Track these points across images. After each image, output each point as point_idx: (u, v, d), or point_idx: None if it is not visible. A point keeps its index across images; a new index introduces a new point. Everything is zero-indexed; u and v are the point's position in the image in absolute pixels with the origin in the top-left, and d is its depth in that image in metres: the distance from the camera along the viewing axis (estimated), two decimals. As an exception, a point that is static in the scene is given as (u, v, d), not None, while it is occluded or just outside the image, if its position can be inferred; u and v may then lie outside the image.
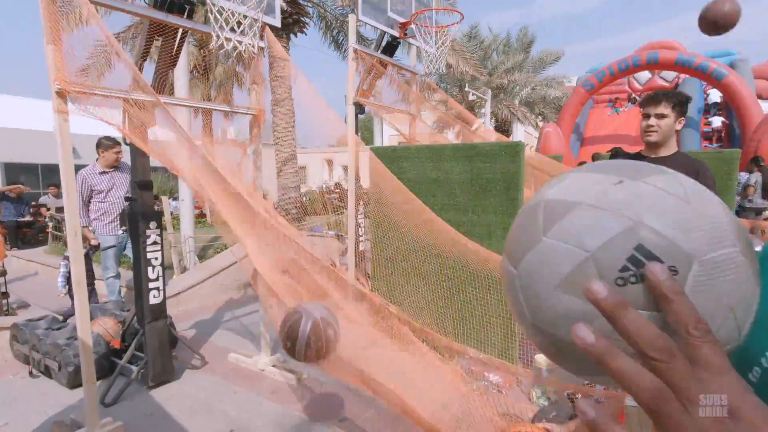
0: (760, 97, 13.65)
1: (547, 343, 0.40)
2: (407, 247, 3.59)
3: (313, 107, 3.98)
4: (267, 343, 3.57)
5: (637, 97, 16.73)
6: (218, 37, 2.45)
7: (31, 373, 3.54)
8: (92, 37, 2.37)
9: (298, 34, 10.45)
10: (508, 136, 19.79)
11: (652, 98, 2.27)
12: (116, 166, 4.37)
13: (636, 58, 13.34)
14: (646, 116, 2.30)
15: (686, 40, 16.25)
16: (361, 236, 4.87)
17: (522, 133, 22.27)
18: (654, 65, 13.28)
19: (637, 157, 2.42)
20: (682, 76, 14.58)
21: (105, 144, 4.29)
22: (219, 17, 2.42)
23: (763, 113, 12.10)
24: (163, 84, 3.01)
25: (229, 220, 2.38)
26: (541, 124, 19.91)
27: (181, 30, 2.88)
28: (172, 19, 2.69)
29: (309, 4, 9.76)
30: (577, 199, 0.39)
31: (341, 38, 11.82)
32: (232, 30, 2.53)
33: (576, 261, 0.36)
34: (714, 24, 3.15)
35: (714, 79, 12.44)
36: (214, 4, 2.43)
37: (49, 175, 16.87)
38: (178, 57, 3.00)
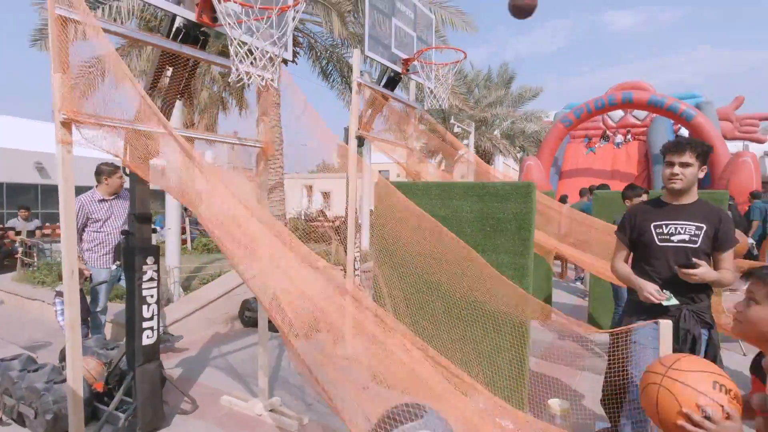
0: (724, 137, 14.38)
1: None
2: (415, 282, 3.51)
3: (312, 133, 3.94)
4: (266, 386, 3.38)
5: (610, 134, 17.40)
6: (237, 70, 2.38)
7: (0, 420, 3.24)
8: (99, 65, 2.27)
9: (289, 63, 10.51)
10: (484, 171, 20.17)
11: (676, 147, 2.30)
12: (118, 193, 4.19)
13: (611, 97, 13.90)
14: (670, 164, 2.32)
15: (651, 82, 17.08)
16: (356, 270, 4.77)
17: (501, 164, 22.74)
18: (629, 105, 13.85)
19: (658, 203, 2.43)
20: (653, 115, 15.26)
21: (107, 170, 4.11)
22: (239, 50, 2.35)
23: (729, 153, 12.71)
24: (169, 113, 2.91)
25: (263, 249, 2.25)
26: (519, 156, 20.40)
27: (192, 61, 2.80)
28: (187, 50, 2.62)
29: (300, 35, 9.83)
30: None
31: (330, 68, 11.91)
32: (251, 63, 2.47)
33: None
34: (520, 9, 4.01)
35: (684, 120, 13.04)
36: (234, 39, 2.37)
37: (14, 194, 16.13)
38: (188, 87, 2.91)
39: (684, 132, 14.67)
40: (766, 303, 1.30)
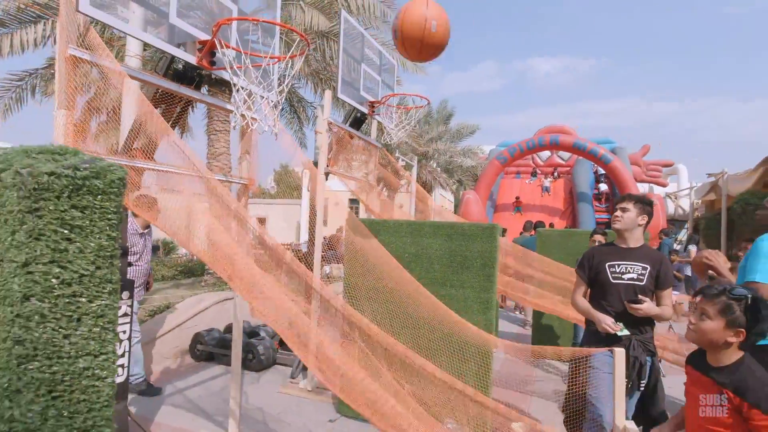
0: (635, 179, 16.12)
1: None
2: (383, 310, 3.68)
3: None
4: (236, 419, 3.35)
5: (538, 171, 18.86)
6: (242, 116, 2.50)
7: None
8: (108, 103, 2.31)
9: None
10: (425, 202, 20.95)
11: (621, 198, 2.82)
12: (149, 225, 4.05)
13: (541, 139, 15.17)
14: (615, 209, 2.80)
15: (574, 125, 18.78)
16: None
17: (438, 196, 23.67)
18: (555, 146, 15.17)
19: (612, 246, 2.84)
20: (575, 156, 16.80)
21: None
22: (244, 96, 2.48)
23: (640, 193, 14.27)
24: (155, 148, 2.94)
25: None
26: (454, 188, 21.41)
27: (185, 99, 2.87)
28: (185, 91, 2.70)
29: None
30: None
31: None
32: (249, 108, 2.60)
33: None
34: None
35: (603, 163, 14.50)
36: (235, 85, 2.50)
37: None
38: (176, 124, 2.96)
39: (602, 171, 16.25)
40: (716, 318, 1.66)
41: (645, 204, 2.76)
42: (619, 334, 2.58)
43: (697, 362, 1.80)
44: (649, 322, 2.67)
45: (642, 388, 2.63)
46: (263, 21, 2.46)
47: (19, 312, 1.49)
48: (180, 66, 2.65)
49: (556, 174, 17.96)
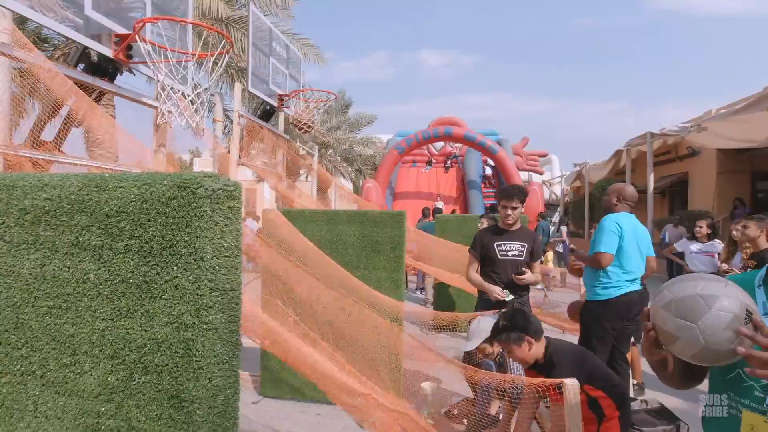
0: (517, 168, 17.96)
1: (705, 354, 0.99)
2: (304, 299, 3.92)
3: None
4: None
5: (434, 160, 20.06)
6: (164, 112, 2.56)
7: None
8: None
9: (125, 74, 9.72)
10: (327, 187, 21.16)
11: (509, 197, 3.32)
12: None
13: (436, 130, 16.19)
14: (505, 208, 3.30)
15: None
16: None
17: (336, 185, 23.97)
18: (449, 138, 16.31)
19: (498, 229, 3.41)
20: (466, 147, 18.21)
21: None
22: (172, 95, 2.55)
23: (522, 181, 15.98)
24: (64, 138, 2.86)
25: None
26: (354, 177, 21.91)
27: (97, 91, 2.83)
28: (100, 83, 2.67)
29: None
30: (717, 293, 1.00)
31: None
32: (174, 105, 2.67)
33: (729, 318, 0.97)
34: None
35: (490, 153, 15.93)
36: (159, 81, 2.56)
37: None
38: (87, 115, 2.89)
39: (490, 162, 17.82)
40: (514, 349, 2.21)
41: (526, 196, 3.37)
42: (506, 299, 3.15)
43: (536, 367, 2.34)
44: (526, 288, 3.30)
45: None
46: (190, 22, 2.54)
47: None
48: (95, 58, 2.62)
49: (449, 164, 19.23)
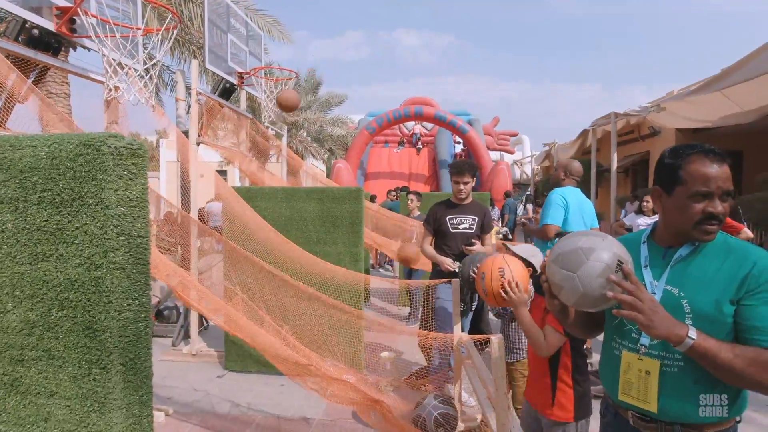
0: (487, 148, 18.18)
1: (583, 300, 1.12)
2: (264, 274, 3.98)
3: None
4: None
5: (405, 140, 20.11)
6: (111, 88, 2.54)
7: None
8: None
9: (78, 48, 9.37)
10: (298, 169, 20.99)
11: (460, 172, 3.42)
12: None
13: (407, 110, 16.19)
14: (457, 183, 3.41)
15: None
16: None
17: (310, 166, 23.79)
18: (420, 117, 16.35)
19: (449, 203, 3.52)
20: (438, 127, 18.31)
21: None
22: (117, 68, 2.53)
23: (491, 160, 16.22)
24: (7, 116, 2.81)
25: None
26: (326, 157, 21.79)
27: (41, 66, 2.78)
28: (42, 58, 2.63)
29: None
30: (594, 246, 1.12)
31: (131, 59, 10.99)
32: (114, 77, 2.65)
33: (602, 267, 1.10)
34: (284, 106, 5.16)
35: (461, 132, 16.07)
36: (105, 55, 2.54)
37: None
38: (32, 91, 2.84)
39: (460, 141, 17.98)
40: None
41: (476, 170, 3.49)
42: (456, 270, 3.29)
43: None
44: (478, 259, 3.44)
45: (473, 309, 3.41)
46: (132, -6, 2.52)
47: None
48: (36, 32, 2.57)
49: (420, 145, 19.29)
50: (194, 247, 4.54)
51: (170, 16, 2.68)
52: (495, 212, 10.83)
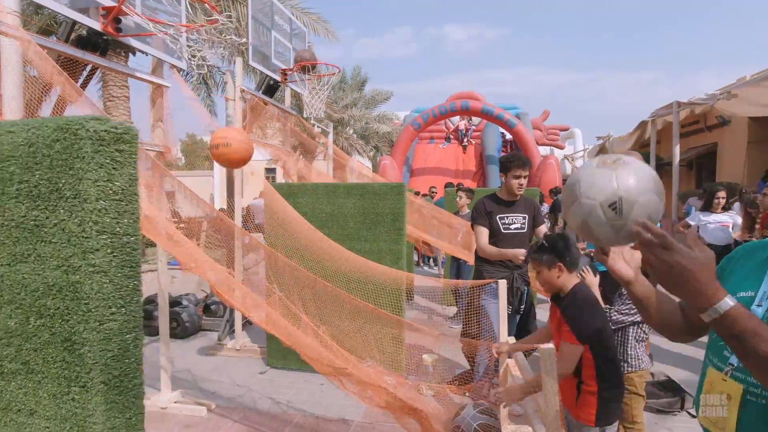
0: (537, 143, 17.53)
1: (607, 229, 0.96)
2: (306, 276, 3.95)
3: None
4: (168, 377, 3.51)
5: (451, 136, 19.75)
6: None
7: None
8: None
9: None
10: (344, 165, 21.16)
11: (523, 164, 3.18)
12: None
13: (453, 104, 15.88)
14: (519, 177, 3.18)
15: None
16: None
17: (356, 163, 23.93)
18: (466, 112, 16.00)
19: (496, 197, 3.33)
20: (485, 121, 17.84)
21: None
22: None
23: (540, 155, 15.61)
24: (60, 115, 2.90)
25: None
26: (372, 155, 21.80)
27: (90, 66, 2.85)
28: (90, 57, 2.69)
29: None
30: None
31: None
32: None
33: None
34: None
35: (508, 127, 15.58)
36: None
37: None
38: (83, 89, 2.93)
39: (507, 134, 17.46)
40: (540, 269, 2.14)
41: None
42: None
43: (555, 297, 2.29)
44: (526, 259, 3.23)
45: (521, 312, 3.21)
46: (171, -10, 2.52)
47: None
48: (84, 32, 2.63)
49: (465, 142, 18.86)
50: (238, 244, 4.59)
51: (213, 13, 2.67)
52: (544, 208, 10.40)
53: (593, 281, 2.34)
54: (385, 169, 15.28)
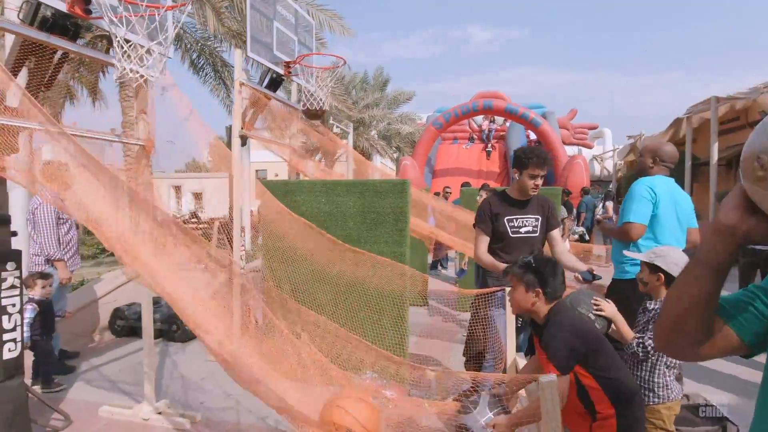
0: (563, 142, 16.88)
1: None
2: (302, 273, 3.69)
3: (183, 130, 3.88)
4: (152, 388, 3.29)
5: (475, 136, 19.27)
6: (123, 68, 2.34)
7: None
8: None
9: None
10: (364, 167, 20.93)
11: (544, 163, 2.78)
12: None
13: (475, 104, 15.44)
14: (534, 177, 2.79)
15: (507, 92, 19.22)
16: (242, 269, 4.80)
17: (379, 164, 23.67)
18: (489, 111, 15.53)
19: (505, 196, 2.97)
20: (509, 121, 17.30)
21: None
22: (125, 49, 2.32)
23: (567, 155, 14.99)
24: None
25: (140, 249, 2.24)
26: (395, 156, 21.51)
27: (60, 51, 2.65)
28: (56, 41, 2.48)
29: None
30: None
31: (201, 62, 11.38)
32: (135, 60, 2.44)
33: None
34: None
35: (533, 126, 15.04)
36: (117, 36, 2.33)
37: None
38: (54, 78, 2.73)
39: (532, 136, 16.87)
40: (517, 287, 1.85)
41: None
42: None
43: (534, 326, 2.00)
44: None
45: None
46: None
47: None
48: (48, 13, 2.42)
49: (489, 147, 18.32)
50: (237, 243, 4.36)
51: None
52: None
53: (613, 312, 2.04)
54: (405, 169, 14.96)
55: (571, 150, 18.02)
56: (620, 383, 1.73)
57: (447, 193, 9.24)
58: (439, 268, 9.55)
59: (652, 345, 2.03)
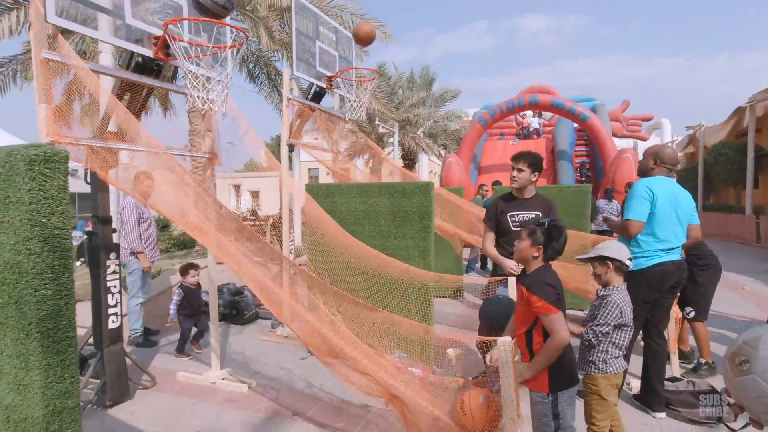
0: (615, 135, 16.49)
1: None
2: (339, 270, 4.24)
3: (237, 135, 4.54)
4: (217, 359, 3.98)
5: (521, 132, 19.16)
6: (191, 97, 2.99)
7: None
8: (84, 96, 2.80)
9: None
10: (414, 164, 21.37)
11: (516, 158, 3.27)
12: None
13: (521, 99, 15.46)
14: (511, 168, 3.27)
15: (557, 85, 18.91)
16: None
17: (426, 161, 24.03)
18: (535, 106, 15.49)
19: (510, 196, 3.38)
20: (557, 116, 17.11)
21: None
22: (194, 81, 2.96)
23: (616, 149, 14.68)
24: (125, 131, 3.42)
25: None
26: (443, 153, 21.80)
27: (147, 87, 3.35)
28: (146, 80, 3.17)
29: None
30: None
31: (257, 71, 12.28)
32: (204, 89, 3.08)
33: None
34: (361, 39, 5.16)
35: (581, 120, 14.85)
36: (189, 74, 2.98)
37: None
38: (143, 108, 3.44)
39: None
40: (525, 239, 2.23)
41: (537, 161, 3.27)
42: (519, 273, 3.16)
43: (520, 276, 2.39)
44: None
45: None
46: (204, 20, 2.91)
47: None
48: (140, 59, 3.11)
49: (539, 132, 18.20)
50: (286, 240, 5.00)
51: (235, 33, 3.02)
52: (614, 206, 9.84)
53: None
54: (450, 166, 15.25)
55: (625, 143, 17.54)
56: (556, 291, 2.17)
57: (484, 191, 9.51)
58: (478, 266, 9.87)
59: (604, 330, 2.39)
